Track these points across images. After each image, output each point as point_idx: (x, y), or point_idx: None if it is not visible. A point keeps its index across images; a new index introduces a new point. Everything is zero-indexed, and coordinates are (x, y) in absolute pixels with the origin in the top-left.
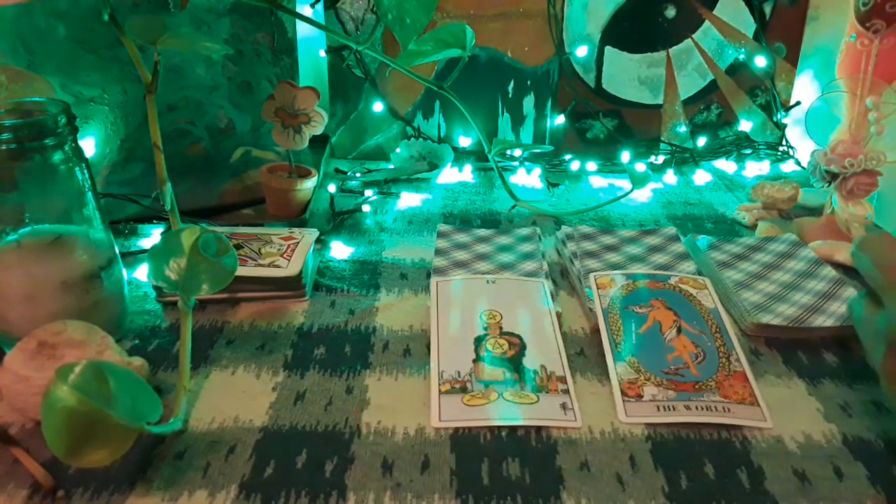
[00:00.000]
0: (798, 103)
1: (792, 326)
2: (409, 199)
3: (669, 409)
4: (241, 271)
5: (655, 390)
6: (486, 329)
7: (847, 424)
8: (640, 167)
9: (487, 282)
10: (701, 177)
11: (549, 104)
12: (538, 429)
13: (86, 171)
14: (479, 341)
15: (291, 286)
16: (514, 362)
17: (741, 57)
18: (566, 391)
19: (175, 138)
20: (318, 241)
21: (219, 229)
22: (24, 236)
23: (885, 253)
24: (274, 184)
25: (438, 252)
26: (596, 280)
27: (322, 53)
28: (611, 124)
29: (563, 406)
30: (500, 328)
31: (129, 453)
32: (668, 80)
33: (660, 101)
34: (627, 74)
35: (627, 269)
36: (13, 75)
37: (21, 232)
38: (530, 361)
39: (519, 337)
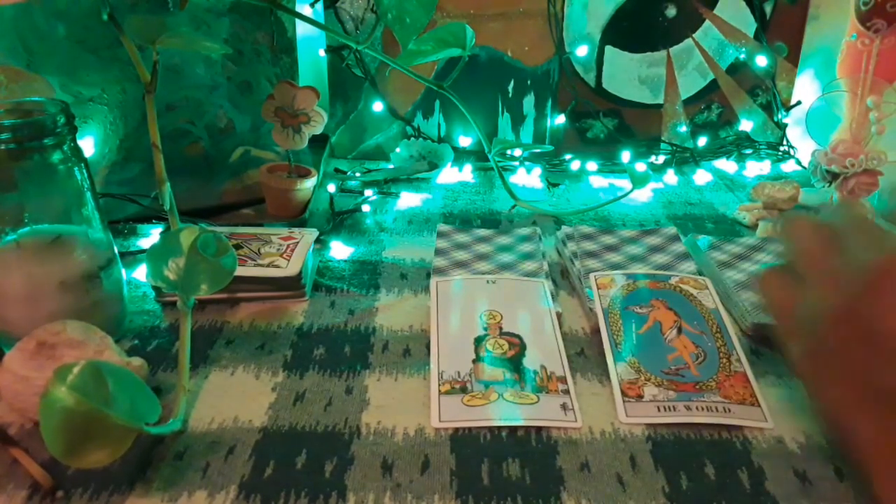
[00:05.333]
0: (799, 103)
1: None
2: (408, 199)
3: (670, 410)
4: (241, 271)
5: (656, 391)
6: (486, 329)
7: None
8: (641, 167)
9: (487, 282)
10: (701, 177)
11: (549, 104)
12: (538, 429)
13: (85, 170)
14: (479, 341)
15: (291, 286)
16: (515, 362)
17: (742, 56)
18: (566, 391)
19: (174, 138)
20: (317, 240)
21: (218, 229)
22: (23, 236)
23: (806, 238)
24: (273, 183)
25: (438, 252)
26: (596, 280)
27: (322, 53)
28: (611, 124)
29: (564, 406)
30: (500, 328)
31: (128, 454)
32: (669, 79)
33: (660, 100)
34: (628, 74)
35: (628, 269)
36: (12, 75)
37: (20, 232)
38: (530, 362)
39: (519, 337)
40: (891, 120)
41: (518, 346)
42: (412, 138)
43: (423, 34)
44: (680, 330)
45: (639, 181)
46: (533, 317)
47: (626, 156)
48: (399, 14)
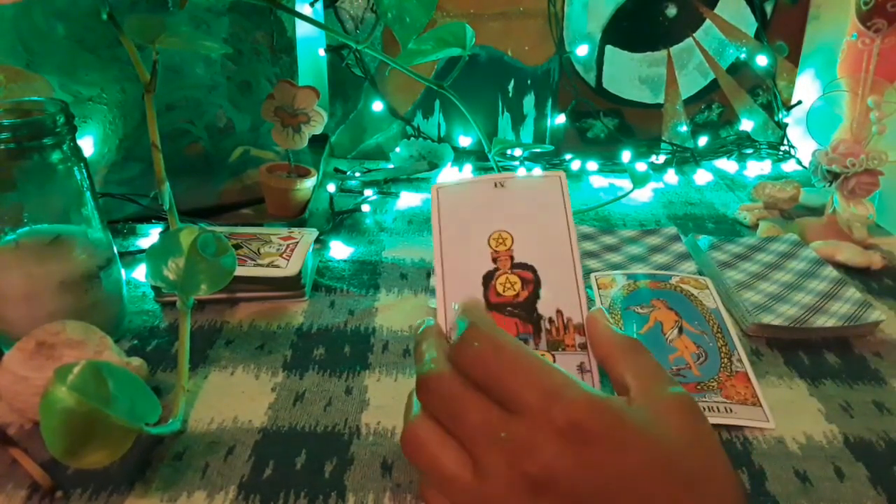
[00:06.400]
0: (799, 102)
1: (793, 327)
2: (408, 199)
3: None
4: (240, 271)
5: None
6: (495, 262)
7: (848, 425)
8: (641, 167)
9: (496, 185)
10: (702, 176)
11: (549, 103)
12: None
13: (84, 170)
14: (488, 279)
15: (291, 286)
16: (528, 308)
17: (742, 56)
18: (584, 346)
19: (174, 138)
20: (317, 240)
21: (218, 229)
22: (23, 236)
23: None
24: (273, 183)
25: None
26: (597, 280)
27: (321, 52)
28: (611, 124)
29: (581, 368)
30: (512, 258)
31: (127, 454)
32: (669, 79)
33: (661, 100)
34: (628, 74)
35: (628, 270)
36: (12, 74)
37: (19, 232)
38: (545, 306)
39: (533, 269)
40: (891, 119)
41: (532, 284)
42: (412, 138)
43: (423, 34)
44: (681, 330)
45: (639, 181)
46: (549, 234)
47: (626, 155)
48: (399, 14)
